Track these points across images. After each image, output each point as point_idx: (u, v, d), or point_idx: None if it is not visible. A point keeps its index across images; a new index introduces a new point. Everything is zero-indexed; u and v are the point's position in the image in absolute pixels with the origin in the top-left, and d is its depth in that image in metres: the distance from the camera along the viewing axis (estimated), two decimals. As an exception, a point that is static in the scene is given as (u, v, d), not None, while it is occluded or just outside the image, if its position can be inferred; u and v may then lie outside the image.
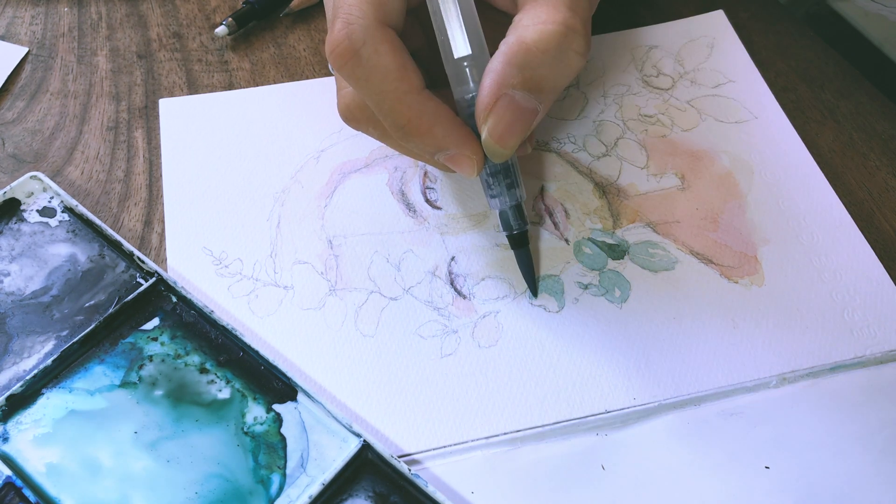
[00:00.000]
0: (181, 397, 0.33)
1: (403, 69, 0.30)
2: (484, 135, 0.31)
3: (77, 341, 0.34)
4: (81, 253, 0.37)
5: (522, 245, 0.35)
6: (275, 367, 0.33)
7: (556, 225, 0.38)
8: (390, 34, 0.30)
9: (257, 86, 0.44)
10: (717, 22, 0.47)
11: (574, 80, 0.44)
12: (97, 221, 0.37)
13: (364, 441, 0.31)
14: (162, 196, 0.39)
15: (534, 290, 0.36)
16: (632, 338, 0.35)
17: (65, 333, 0.34)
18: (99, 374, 0.33)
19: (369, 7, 0.30)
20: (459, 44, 0.31)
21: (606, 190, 0.40)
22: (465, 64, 0.31)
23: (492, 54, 0.30)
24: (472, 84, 0.31)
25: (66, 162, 0.41)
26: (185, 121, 0.42)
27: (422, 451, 0.32)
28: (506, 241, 0.38)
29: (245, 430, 0.32)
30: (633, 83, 0.44)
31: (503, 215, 0.34)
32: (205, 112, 0.43)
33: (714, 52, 0.45)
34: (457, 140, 0.31)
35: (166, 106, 0.43)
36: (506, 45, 0.30)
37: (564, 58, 0.30)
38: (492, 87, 0.30)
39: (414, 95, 0.30)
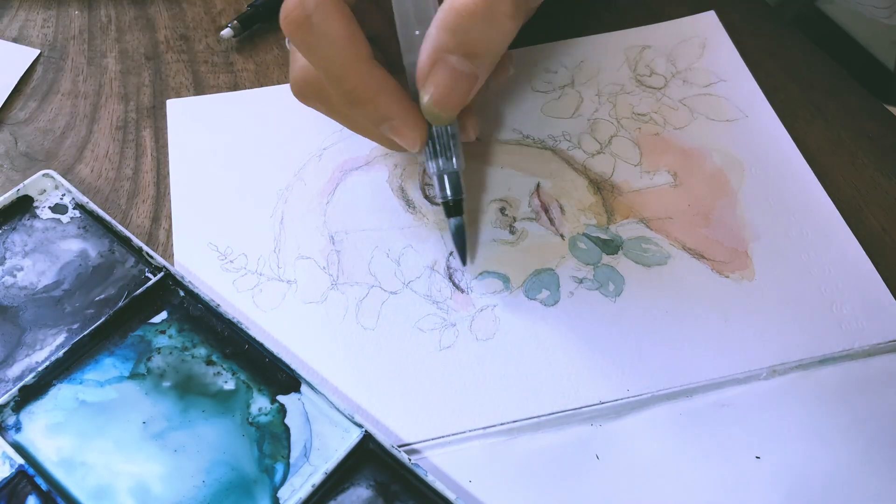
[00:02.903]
0: (188, 388, 0.33)
1: (351, 37, 0.31)
2: (424, 99, 0.31)
3: (87, 334, 0.34)
4: (92, 248, 0.37)
5: (457, 213, 0.36)
6: (279, 360, 0.33)
7: (551, 221, 0.39)
8: (341, 5, 0.30)
9: (262, 86, 0.44)
10: (708, 22, 0.47)
11: (570, 80, 0.44)
12: (107, 218, 0.38)
13: (365, 431, 0.31)
14: (169, 193, 0.40)
15: (463, 259, 0.37)
16: (625, 331, 0.35)
17: (76, 326, 0.35)
18: (108, 366, 0.34)
19: None
20: (411, 16, 0.32)
21: (601, 187, 0.40)
22: (417, 33, 0.32)
23: None
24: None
25: (77, 160, 0.41)
26: (191, 120, 0.43)
27: (421, 441, 0.33)
28: (504, 236, 0.38)
29: (250, 420, 0.33)
30: (626, 82, 0.44)
31: (440, 181, 0.35)
32: (211, 112, 0.43)
33: (706, 51, 0.46)
34: (401, 109, 0.32)
35: (173, 106, 0.43)
36: (440, 11, 0.30)
37: (494, 21, 0.30)
38: (428, 52, 0.30)
39: (361, 63, 0.31)
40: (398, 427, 0.33)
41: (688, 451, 0.32)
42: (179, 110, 0.43)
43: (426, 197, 0.40)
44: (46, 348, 0.34)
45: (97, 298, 0.36)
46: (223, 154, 0.42)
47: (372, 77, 0.31)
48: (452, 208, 0.35)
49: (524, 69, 0.45)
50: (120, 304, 0.35)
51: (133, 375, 0.34)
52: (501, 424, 0.33)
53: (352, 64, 0.31)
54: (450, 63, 0.30)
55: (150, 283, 0.36)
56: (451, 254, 0.38)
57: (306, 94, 0.35)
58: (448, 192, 0.35)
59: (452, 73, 0.30)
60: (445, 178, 0.35)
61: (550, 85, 0.44)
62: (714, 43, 0.46)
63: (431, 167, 0.35)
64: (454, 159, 0.34)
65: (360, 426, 0.32)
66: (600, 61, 0.45)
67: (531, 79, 0.45)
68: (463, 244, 0.37)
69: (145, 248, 0.37)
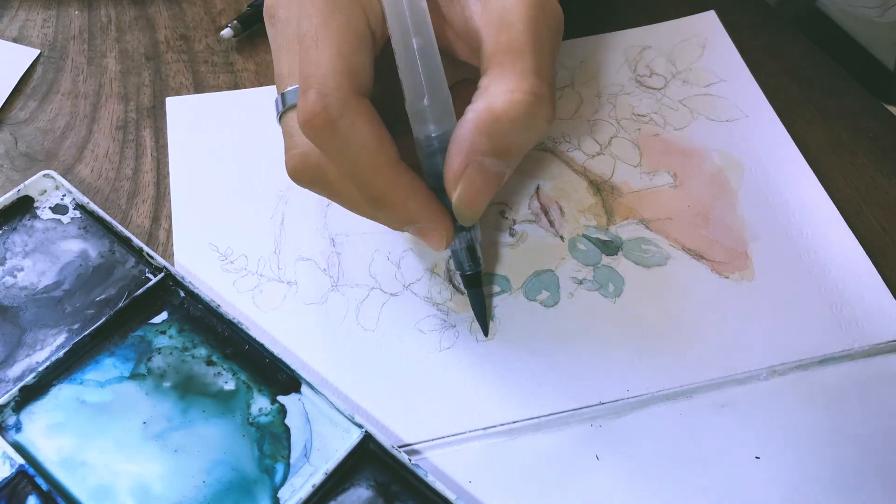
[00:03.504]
0: (188, 389, 0.33)
1: (380, 141, 0.29)
2: (454, 200, 0.30)
3: (88, 334, 0.34)
4: (92, 249, 0.37)
5: (475, 285, 0.35)
6: (279, 360, 0.33)
7: (551, 222, 0.39)
8: (366, 105, 0.29)
9: (262, 86, 0.44)
10: (708, 22, 0.47)
11: (570, 80, 0.44)
12: (107, 218, 0.38)
13: (365, 432, 0.31)
14: (169, 193, 0.40)
15: (485, 330, 0.36)
16: (625, 331, 0.35)
17: (76, 327, 0.35)
18: (109, 367, 0.34)
19: (344, 78, 0.29)
20: (421, 90, 0.30)
21: (600, 188, 0.40)
22: (427, 104, 0.30)
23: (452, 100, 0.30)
24: (432, 125, 0.31)
25: (77, 160, 0.42)
26: (191, 120, 0.43)
27: (421, 442, 0.33)
28: (504, 238, 0.38)
29: (250, 420, 0.33)
30: (626, 83, 0.44)
31: (456, 255, 0.34)
32: (211, 111, 0.43)
33: (706, 51, 0.46)
34: (430, 215, 0.31)
35: (173, 105, 0.43)
36: (474, 113, 0.29)
37: (533, 125, 0.29)
38: (461, 154, 0.29)
39: (390, 168, 0.30)
40: (398, 427, 0.33)
41: (688, 451, 0.32)
42: (179, 109, 0.43)
43: None
44: (47, 348, 0.34)
45: (97, 299, 0.36)
46: (223, 154, 0.42)
47: (401, 182, 0.30)
48: (471, 280, 0.35)
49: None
50: (120, 304, 0.35)
51: (133, 376, 0.34)
52: (501, 424, 0.33)
53: (380, 169, 0.30)
54: (482, 165, 0.29)
55: (150, 283, 0.36)
56: (450, 257, 0.38)
57: (308, 180, 0.33)
58: (464, 265, 0.34)
59: (485, 174, 0.29)
60: (465, 251, 0.34)
61: (550, 86, 0.44)
62: (714, 43, 0.46)
63: (454, 243, 0.34)
64: (471, 230, 0.34)
65: (360, 426, 0.32)
66: (600, 62, 0.45)
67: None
68: (484, 315, 0.36)
69: (146, 248, 0.37)
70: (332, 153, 0.30)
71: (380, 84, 0.31)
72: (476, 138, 0.29)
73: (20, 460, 0.31)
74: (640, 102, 0.43)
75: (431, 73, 0.30)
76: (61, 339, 0.35)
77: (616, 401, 0.34)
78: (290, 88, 0.32)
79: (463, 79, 0.33)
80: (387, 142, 0.30)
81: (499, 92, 0.29)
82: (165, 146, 0.42)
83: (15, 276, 0.36)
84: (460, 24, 0.31)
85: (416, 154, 0.32)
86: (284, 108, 0.32)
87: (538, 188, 0.40)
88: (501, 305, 0.36)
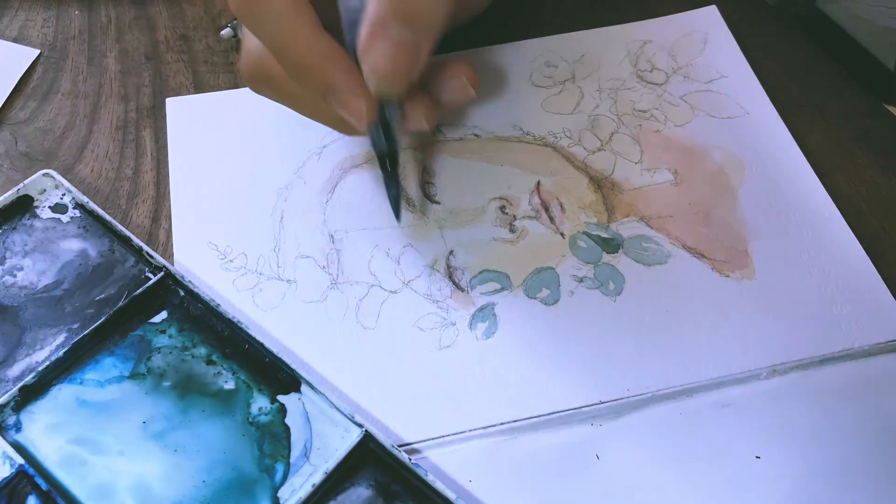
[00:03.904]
0: (188, 388, 0.33)
1: (298, 8, 0.30)
2: (365, 70, 0.31)
3: (87, 334, 0.34)
4: (92, 248, 0.37)
5: (391, 167, 0.35)
6: (279, 359, 0.33)
7: (551, 219, 0.39)
8: None
9: (262, 86, 0.45)
10: (710, 17, 0.47)
11: (571, 75, 0.44)
12: (107, 217, 0.38)
13: (365, 431, 0.31)
14: (169, 193, 0.40)
15: (397, 216, 0.37)
16: (626, 330, 0.35)
17: (76, 326, 0.35)
18: (109, 366, 0.34)
19: None
20: None
21: (601, 184, 0.40)
22: (357, 4, 0.31)
23: None
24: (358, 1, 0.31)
25: (77, 160, 0.42)
26: (191, 119, 0.43)
27: (421, 441, 0.33)
28: (503, 234, 0.38)
29: (250, 420, 0.33)
30: (627, 78, 0.44)
31: (371, 133, 0.34)
32: (210, 110, 0.43)
33: (707, 47, 0.45)
34: (350, 82, 0.31)
35: (173, 105, 0.44)
36: None
37: None
38: (367, 24, 0.30)
39: (310, 33, 0.31)
40: (398, 427, 0.33)
41: (688, 450, 0.32)
42: (179, 109, 0.43)
43: (426, 195, 0.40)
44: (46, 348, 0.34)
45: (97, 298, 0.36)
46: (223, 153, 0.42)
47: (317, 44, 0.31)
48: (387, 160, 0.35)
49: (524, 63, 0.45)
50: (120, 303, 0.35)
51: (133, 375, 0.34)
52: (501, 424, 0.33)
53: (298, 32, 0.31)
54: (389, 33, 0.30)
55: (150, 282, 0.36)
56: (451, 252, 0.38)
57: (255, 77, 0.35)
58: (381, 144, 0.34)
59: (392, 42, 0.30)
60: (379, 128, 0.34)
61: (551, 80, 0.44)
62: (715, 38, 0.46)
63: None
64: (389, 109, 0.34)
65: (360, 426, 0.32)
66: (601, 56, 0.45)
67: (531, 73, 0.45)
68: (398, 198, 0.37)
69: (145, 247, 0.37)
70: (253, 22, 0.31)
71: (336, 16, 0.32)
72: (377, 5, 0.30)
73: (20, 460, 0.31)
74: (641, 98, 0.43)
75: None
76: (61, 338, 0.35)
77: (616, 400, 0.33)
78: None
79: None
80: (305, 9, 0.31)
81: None
82: (165, 146, 0.42)
83: (15, 276, 0.36)
84: None
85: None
86: None
87: (538, 183, 0.40)
88: (501, 303, 0.36)
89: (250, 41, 0.34)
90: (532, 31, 0.46)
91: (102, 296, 0.36)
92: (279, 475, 0.31)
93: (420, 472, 0.30)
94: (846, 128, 0.43)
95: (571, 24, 0.47)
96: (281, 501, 0.31)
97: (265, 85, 0.35)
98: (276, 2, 0.30)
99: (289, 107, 0.36)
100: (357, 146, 0.41)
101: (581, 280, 0.37)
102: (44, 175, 0.39)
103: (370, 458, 0.32)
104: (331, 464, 0.31)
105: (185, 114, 0.43)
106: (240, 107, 0.43)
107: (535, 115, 0.43)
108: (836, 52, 0.47)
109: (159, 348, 0.34)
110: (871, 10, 0.49)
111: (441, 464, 0.32)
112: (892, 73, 0.52)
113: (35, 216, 0.38)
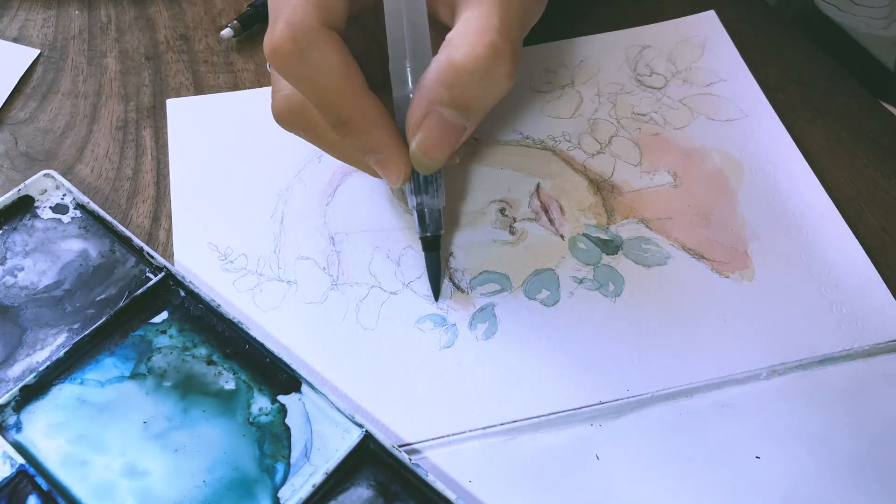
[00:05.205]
0: (189, 388, 0.33)
1: (347, 68, 0.30)
2: (412, 147, 0.31)
3: (88, 334, 0.34)
4: (93, 248, 0.37)
5: (434, 249, 0.36)
6: (279, 360, 0.33)
7: (551, 221, 0.39)
8: (334, 36, 0.30)
9: (262, 86, 0.45)
10: (708, 22, 0.47)
11: (571, 80, 0.44)
12: (108, 218, 0.38)
13: (366, 431, 0.31)
14: (169, 193, 0.40)
15: (436, 294, 0.37)
16: (625, 331, 0.35)
17: (76, 326, 0.35)
18: (109, 366, 0.34)
19: (313, 9, 0.29)
20: (405, 47, 0.31)
21: (601, 187, 0.40)
22: (409, 67, 0.32)
23: None
24: (410, 86, 0.32)
25: (77, 160, 0.42)
26: (191, 120, 0.43)
27: (421, 441, 0.33)
28: (503, 236, 0.38)
29: (251, 420, 0.33)
30: (626, 82, 0.44)
31: (420, 216, 0.35)
32: (211, 112, 0.43)
33: (706, 51, 0.46)
34: (391, 144, 0.32)
35: (173, 106, 0.44)
36: (436, 63, 0.30)
37: (491, 80, 0.30)
38: (421, 102, 0.30)
39: (357, 93, 0.31)
40: (398, 427, 0.33)
41: (688, 450, 0.32)
42: (179, 110, 0.43)
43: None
44: (47, 348, 0.34)
45: (98, 298, 0.36)
46: (223, 154, 0.42)
47: (367, 108, 0.31)
48: (431, 243, 0.36)
49: (524, 69, 0.45)
50: (121, 304, 0.35)
51: (134, 375, 0.34)
52: (501, 424, 0.33)
53: (347, 94, 0.30)
54: (441, 115, 0.30)
55: (150, 283, 0.36)
56: (450, 254, 0.38)
57: (290, 122, 0.34)
58: (428, 226, 0.35)
59: (444, 124, 0.31)
60: (426, 213, 0.35)
61: (550, 85, 0.44)
62: (714, 43, 0.46)
63: (412, 201, 0.35)
64: (437, 196, 0.34)
65: (360, 426, 0.32)
66: (600, 61, 0.45)
67: (531, 78, 0.45)
68: (438, 279, 0.37)
69: (146, 248, 0.37)
70: (299, 82, 0.31)
71: (365, 45, 0.33)
72: (435, 88, 0.30)
73: (20, 460, 0.31)
74: (640, 102, 0.43)
75: (416, 34, 0.31)
76: (62, 338, 0.35)
77: (616, 400, 0.33)
78: None
79: None
80: (353, 70, 0.30)
81: (461, 45, 0.30)
82: (165, 146, 0.42)
83: (15, 276, 0.36)
84: None
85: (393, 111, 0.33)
86: None
87: (538, 186, 0.40)
88: (501, 304, 0.36)
89: (285, 84, 0.33)
90: (532, 38, 0.46)
91: (103, 296, 0.36)
92: (279, 475, 0.31)
93: (420, 472, 0.30)
94: (846, 128, 0.43)
95: (571, 30, 0.47)
96: (281, 501, 0.31)
97: (301, 129, 0.35)
98: (325, 63, 0.30)
99: (322, 150, 0.36)
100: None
101: (581, 281, 0.37)
102: (44, 175, 0.39)
103: (370, 459, 0.32)
104: (331, 464, 0.31)
105: (185, 115, 0.43)
106: (241, 109, 0.44)
107: (535, 120, 0.43)
108: (835, 52, 0.47)
109: (160, 348, 0.34)
110: (853, 19, 0.49)
111: (441, 464, 0.32)
112: (891, 72, 0.52)
113: (36, 216, 0.38)
